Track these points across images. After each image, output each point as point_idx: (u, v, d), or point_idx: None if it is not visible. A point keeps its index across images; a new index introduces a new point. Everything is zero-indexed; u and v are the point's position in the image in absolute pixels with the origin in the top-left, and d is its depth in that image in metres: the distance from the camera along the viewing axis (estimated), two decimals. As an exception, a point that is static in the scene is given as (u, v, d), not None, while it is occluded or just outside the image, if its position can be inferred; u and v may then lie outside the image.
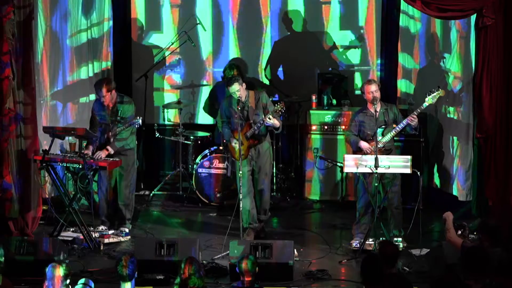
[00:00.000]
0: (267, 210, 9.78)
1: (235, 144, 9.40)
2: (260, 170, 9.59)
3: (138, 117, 9.56)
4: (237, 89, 9.32)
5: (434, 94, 9.26)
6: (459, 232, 7.82)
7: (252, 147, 9.51)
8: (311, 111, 11.29)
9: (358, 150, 9.37)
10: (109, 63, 11.65)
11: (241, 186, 9.29)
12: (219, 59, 12.24)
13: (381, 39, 11.97)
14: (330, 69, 11.98)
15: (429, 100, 9.26)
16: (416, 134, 9.59)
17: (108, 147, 9.51)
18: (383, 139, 9.26)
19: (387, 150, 9.28)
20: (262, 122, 9.34)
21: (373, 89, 9.28)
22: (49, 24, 10.54)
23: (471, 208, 9.71)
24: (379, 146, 9.11)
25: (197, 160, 11.11)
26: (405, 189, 9.91)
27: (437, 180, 10.93)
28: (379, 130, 9.24)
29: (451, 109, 10.59)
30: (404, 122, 9.19)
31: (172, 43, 11.89)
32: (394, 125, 9.30)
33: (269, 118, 9.29)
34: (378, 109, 9.24)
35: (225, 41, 12.23)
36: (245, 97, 9.45)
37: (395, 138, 9.47)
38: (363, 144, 9.31)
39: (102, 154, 9.44)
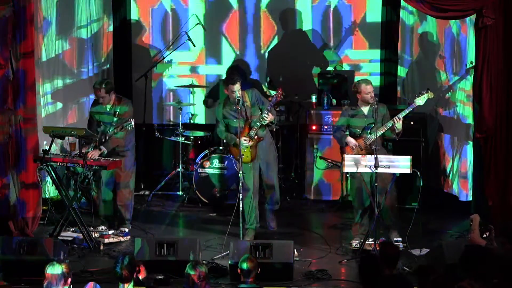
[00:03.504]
0: (278, 200, 9.88)
1: (244, 142, 9.41)
2: (268, 166, 9.64)
3: (130, 119, 9.55)
4: (239, 89, 9.35)
5: (423, 96, 9.26)
6: (485, 234, 7.84)
7: (259, 145, 9.53)
8: (311, 111, 11.30)
9: (344, 146, 9.38)
10: (109, 64, 11.67)
11: (247, 187, 9.34)
12: (219, 59, 12.27)
13: (381, 39, 11.98)
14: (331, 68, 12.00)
15: (417, 101, 9.26)
16: (395, 140, 9.48)
17: (102, 147, 9.50)
18: (371, 137, 9.27)
19: (373, 149, 9.30)
20: (259, 123, 9.36)
21: (371, 90, 9.28)
22: (49, 23, 10.55)
23: (471, 209, 9.71)
24: (366, 143, 9.18)
25: (197, 160, 11.11)
26: (405, 189, 9.92)
27: (437, 180, 10.93)
28: (367, 128, 9.27)
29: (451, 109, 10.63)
30: (390, 122, 9.19)
31: (172, 43, 11.89)
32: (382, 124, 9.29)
33: (266, 116, 9.32)
34: (367, 107, 9.27)
35: (225, 41, 12.26)
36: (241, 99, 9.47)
37: (385, 137, 9.45)
38: (349, 139, 9.31)
39: (95, 153, 9.43)
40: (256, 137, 9.48)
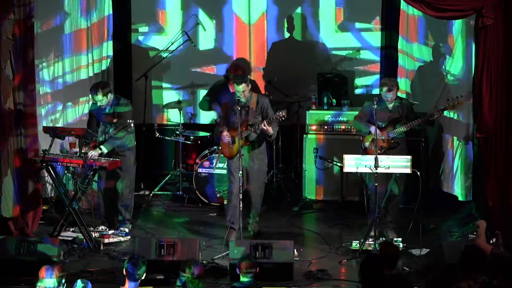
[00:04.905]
0: (255, 214, 9.80)
1: (228, 138, 9.46)
2: (253, 176, 9.60)
3: (129, 120, 9.55)
4: (243, 90, 9.33)
5: (451, 103, 9.38)
6: (492, 240, 7.84)
7: (245, 148, 9.49)
8: (311, 111, 11.30)
9: (367, 133, 9.50)
10: (109, 62, 11.66)
11: (233, 181, 9.40)
12: (220, 59, 12.29)
13: (381, 39, 11.99)
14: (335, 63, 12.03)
15: (448, 108, 9.45)
16: (431, 127, 9.86)
17: (102, 147, 9.50)
18: (395, 132, 9.41)
19: (395, 143, 9.43)
20: (258, 126, 9.35)
21: (392, 96, 9.42)
22: (50, 23, 10.55)
23: (471, 209, 9.73)
24: (389, 137, 9.29)
25: (197, 160, 11.11)
26: (405, 189, 9.92)
27: (437, 180, 10.93)
28: (394, 122, 9.45)
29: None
30: (419, 120, 9.37)
31: (172, 43, 11.89)
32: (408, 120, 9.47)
33: (265, 125, 9.31)
34: (392, 104, 9.46)
35: (226, 41, 12.28)
36: (247, 98, 9.44)
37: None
38: (374, 128, 9.34)
39: (95, 153, 9.43)
40: (245, 140, 9.45)
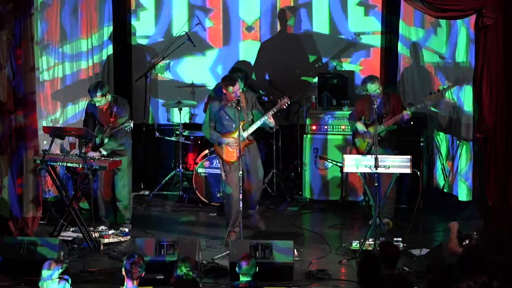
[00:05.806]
0: (256, 202, 9.84)
1: (235, 145, 9.40)
2: (254, 172, 9.59)
3: (129, 121, 9.55)
4: (238, 89, 9.31)
5: (432, 96, 9.53)
6: (465, 242, 7.84)
7: (246, 147, 9.48)
8: (311, 111, 11.30)
9: (354, 129, 9.83)
10: (107, 62, 11.68)
11: (233, 187, 9.38)
12: (220, 59, 12.29)
13: (380, 38, 11.99)
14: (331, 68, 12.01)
15: (426, 102, 9.69)
16: (407, 126, 9.90)
17: (101, 149, 9.49)
18: (381, 127, 9.55)
19: (382, 137, 9.58)
20: (267, 117, 9.31)
21: (376, 88, 9.53)
22: (49, 23, 10.56)
23: (471, 209, 9.72)
24: (375, 132, 9.32)
25: (197, 160, 11.11)
26: (405, 189, 9.92)
27: (437, 180, 10.93)
28: (379, 118, 9.52)
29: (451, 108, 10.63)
30: (400, 116, 9.55)
31: (172, 43, 11.89)
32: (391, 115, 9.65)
33: (270, 117, 9.30)
34: (380, 99, 9.57)
35: (229, 41, 12.28)
36: (238, 97, 9.44)
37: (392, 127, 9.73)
38: (359, 125, 9.80)
39: (95, 155, 9.43)
40: (247, 138, 9.44)
